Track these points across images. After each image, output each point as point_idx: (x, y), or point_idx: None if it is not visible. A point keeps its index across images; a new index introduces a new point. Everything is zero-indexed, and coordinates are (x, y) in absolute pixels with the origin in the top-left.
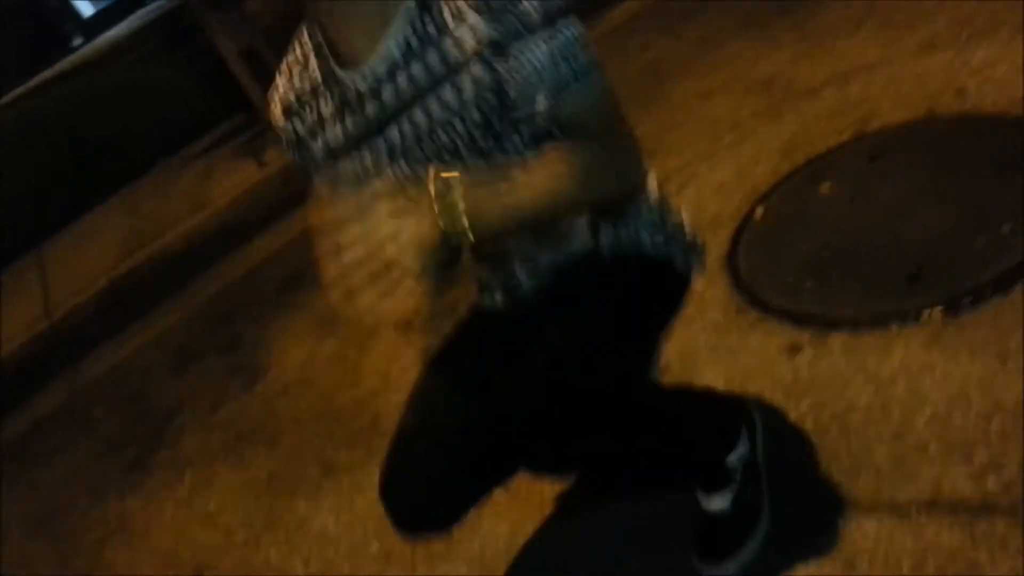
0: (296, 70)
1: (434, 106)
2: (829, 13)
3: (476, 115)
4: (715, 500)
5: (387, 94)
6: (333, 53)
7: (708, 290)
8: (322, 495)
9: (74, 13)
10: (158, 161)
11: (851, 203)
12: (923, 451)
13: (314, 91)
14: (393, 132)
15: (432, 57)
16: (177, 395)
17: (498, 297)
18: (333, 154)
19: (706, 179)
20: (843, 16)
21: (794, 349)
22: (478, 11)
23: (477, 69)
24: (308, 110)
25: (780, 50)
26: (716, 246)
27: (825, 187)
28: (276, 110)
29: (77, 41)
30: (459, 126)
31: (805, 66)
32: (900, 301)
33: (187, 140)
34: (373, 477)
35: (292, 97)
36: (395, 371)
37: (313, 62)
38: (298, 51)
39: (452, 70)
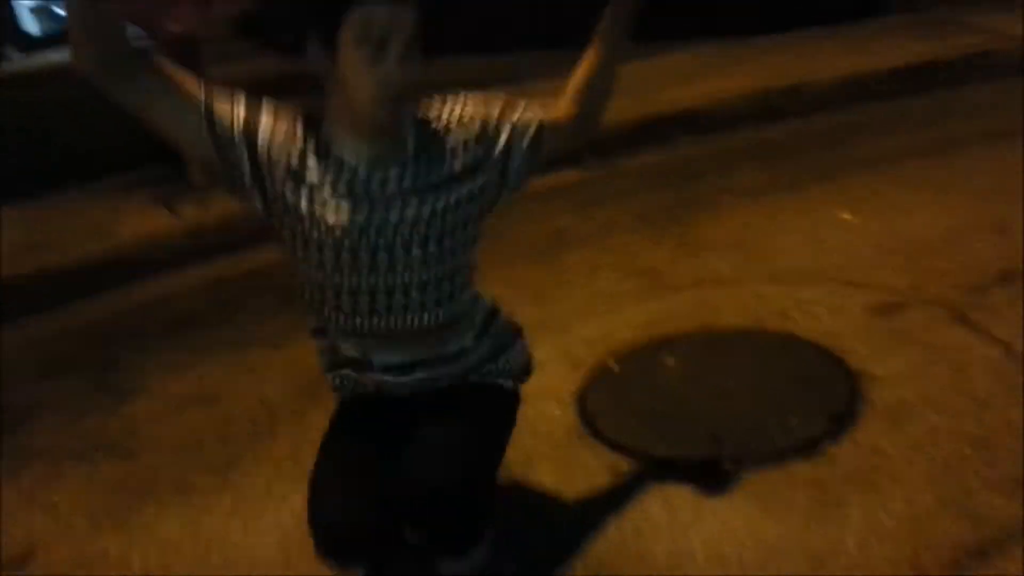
0: (285, 130)
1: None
2: (707, 229)
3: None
4: None
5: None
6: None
7: (560, 414)
8: (171, 507)
9: (20, 29)
10: (70, 185)
11: (685, 377)
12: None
13: (303, 156)
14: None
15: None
16: (38, 397)
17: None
18: (311, 215)
19: (578, 331)
20: (716, 235)
21: (615, 471)
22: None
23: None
24: (292, 160)
25: (661, 248)
26: (574, 383)
27: (669, 360)
28: (239, 128)
29: (16, 55)
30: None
31: (677, 266)
32: (702, 453)
33: (104, 174)
34: (225, 503)
35: (279, 146)
36: (264, 418)
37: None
38: (297, 130)
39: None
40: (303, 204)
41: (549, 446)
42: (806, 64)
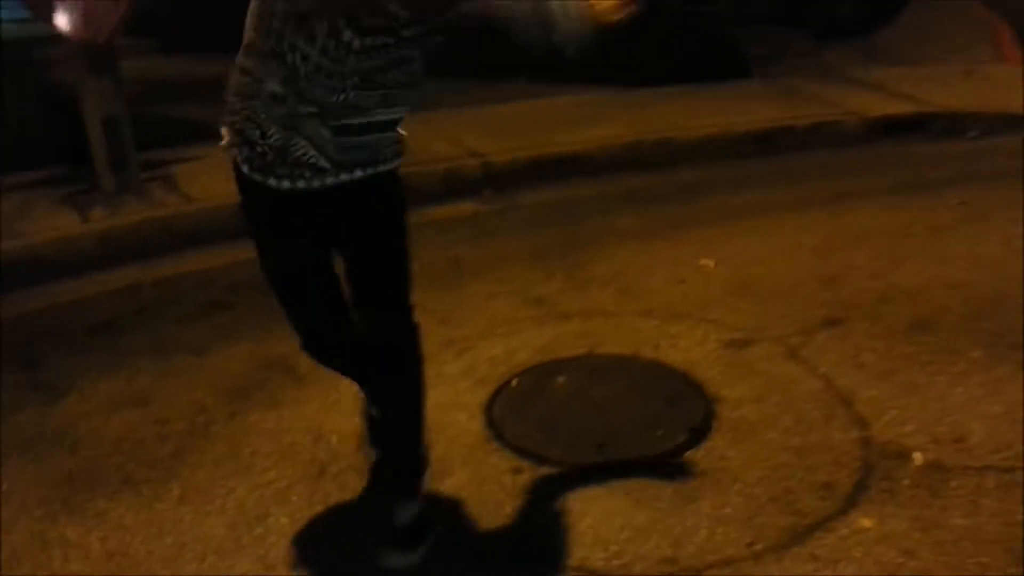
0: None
1: None
2: (592, 266)
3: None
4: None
5: None
6: None
7: (468, 422)
8: (121, 496)
9: None
10: None
11: (574, 394)
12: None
13: None
14: None
15: None
16: None
17: (308, 178)
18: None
19: (482, 352)
20: (600, 272)
21: (517, 471)
22: None
23: None
24: None
25: (552, 281)
26: (482, 396)
27: (560, 379)
28: None
29: None
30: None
31: (566, 297)
32: (588, 458)
33: (10, 169)
34: (173, 493)
35: None
36: (199, 418)
37: None
38: None
39: None
40: None
41: (460, 450)
42: (676, 119)
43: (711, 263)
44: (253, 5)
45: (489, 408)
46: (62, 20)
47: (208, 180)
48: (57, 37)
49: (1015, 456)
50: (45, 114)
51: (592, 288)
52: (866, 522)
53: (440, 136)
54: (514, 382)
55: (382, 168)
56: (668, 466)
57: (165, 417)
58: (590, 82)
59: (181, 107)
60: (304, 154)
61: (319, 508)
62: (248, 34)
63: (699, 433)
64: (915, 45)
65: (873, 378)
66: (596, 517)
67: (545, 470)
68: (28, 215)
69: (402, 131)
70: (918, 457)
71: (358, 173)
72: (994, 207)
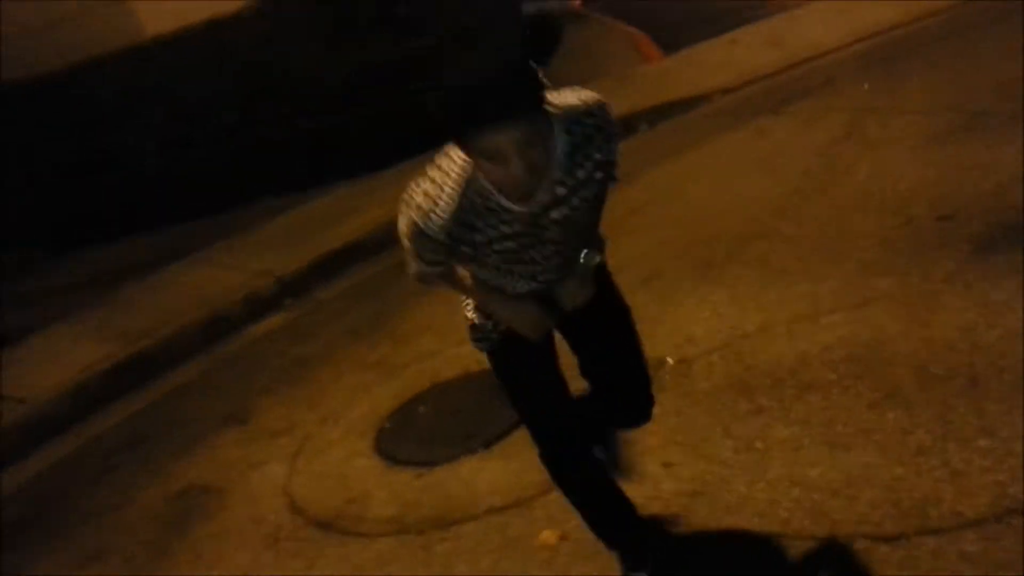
0: (446, 196)
1: (575, 200)
2: (406, 323)
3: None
4: None
5: (552, 214)
6: (497, 190)
7: (368, 462)
8: None
9: None
10: None
11: (433, 414)
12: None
13: (476, 215)
14: (546, 227)
15: (579, 190)
16: None
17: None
18: (489, 244)
19: (353, 415)
20: (414, 325)
21: (419, 476)
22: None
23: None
24: (469, 229)
25: (381, 346)
26: (368, 443)
27: (420, 408)
28: (432, 225)
29: None
30: (589, 213)
31: (396, 353)
32: (464, 448)
33: None
34: None
35: (452, 221)
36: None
37: (473, 197)
38: (447, 185)
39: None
40: (496, 248)
41: (372, 480)
42: None
43: None
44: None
45: (377, 448)
46: None
47: (28, 381)
48: None
49: (727, 337)
50: None
51: (412, 339)
52: None
53: (225, 268)
54: (387, 424)
55: None
56: (517, 431)
57: (129, 555)
58: (338, 177)
59: None
60: None
61: None
62: None
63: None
64: (577, 66)
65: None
66: (485, 479)
67: (438, 469)
68: None
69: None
70: (670, 360)
71: None
72: (677, 180)
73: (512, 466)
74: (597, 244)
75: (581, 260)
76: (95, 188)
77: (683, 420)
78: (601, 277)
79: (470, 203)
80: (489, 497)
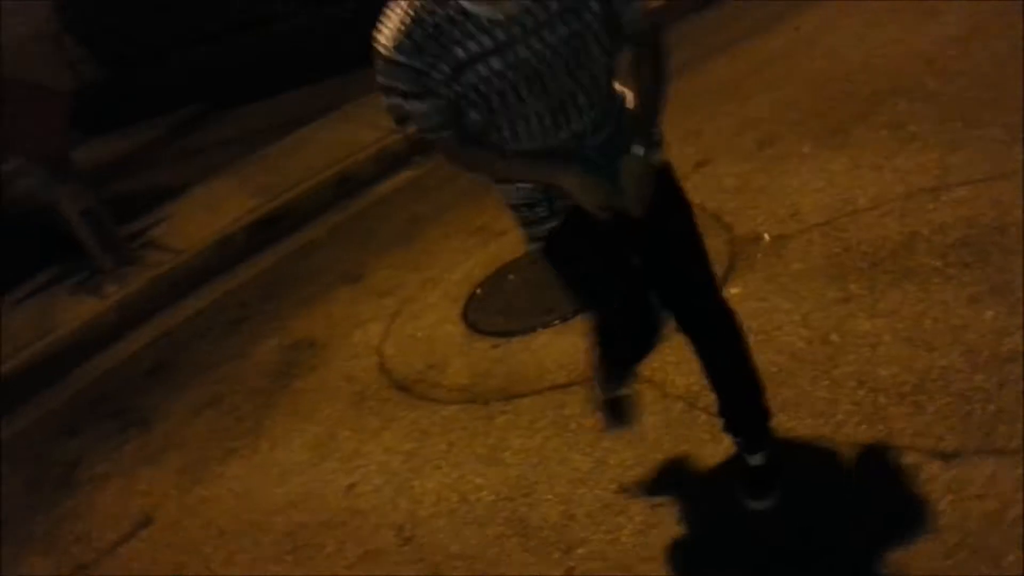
0: (400, 13)
1: (562, 28)
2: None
3: (596, 28)
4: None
5: (532, 41)
6: None
7: (455, 328)
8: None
9: None
10: None
11: (520, 284)
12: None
13: (441, 29)
14: (530, 46)
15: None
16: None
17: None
18: (469, 64)
19: (449, 278)
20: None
21: (495, 347)
22: None
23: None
24: (441, 46)
25: (486, 211)
26: (458, 310)
27: (510, 277)
28: (392, 53)
29: None
30: (584, 39)
31: (500, 219)
32: (541, 322)
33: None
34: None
35: (414, 38)
36: (261, 399)
37: (432, 7)
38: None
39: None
40: (481, 73)
41: (454, 347)
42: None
43: None
44: None
45: (464, 315)
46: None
47: (183, 232)
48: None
49: (835, 212)
50: (25, 227)
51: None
52: (734, 290)
53: (362, 124)
54: (478, 291)
55: None
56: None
57: (236, 404)
58: None
59: (133, 180)
60: None
61: None
62: None
63: None
64: None
65: (731, 194)
66: (554, 354)
67: (514, 340)
68: (50, 313)
69: None
70: (766, 236)
71: None
72: (814, 30)
73: (582, 344)
74: (646, 138)
75: (630, 152)
76: (252, 45)
77: (763, 306)
78: (663, 180)
79: (430, 14)
80: (554, 373)
